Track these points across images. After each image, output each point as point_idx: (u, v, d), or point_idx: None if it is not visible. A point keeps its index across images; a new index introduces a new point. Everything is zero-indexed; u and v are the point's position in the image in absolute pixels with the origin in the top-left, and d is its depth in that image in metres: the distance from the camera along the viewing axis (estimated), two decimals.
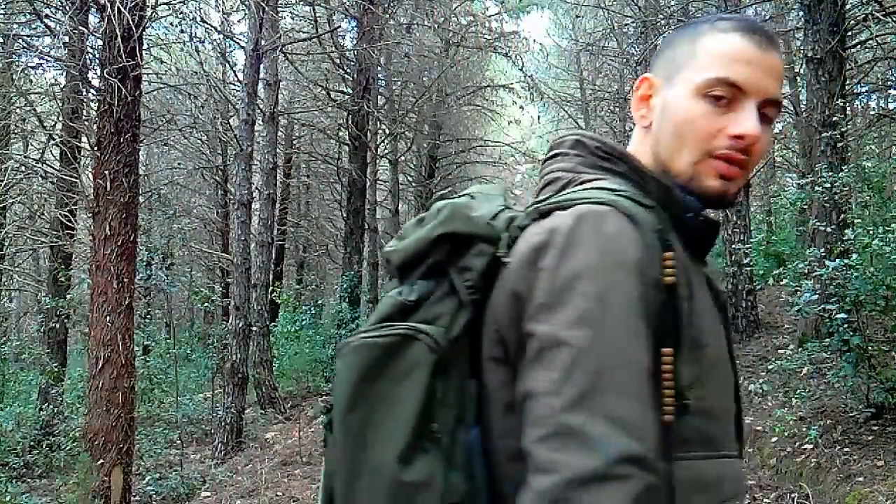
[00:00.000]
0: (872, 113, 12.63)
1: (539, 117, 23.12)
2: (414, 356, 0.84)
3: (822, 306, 4.65)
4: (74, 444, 7.88)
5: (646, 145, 0.98)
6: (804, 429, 4.82)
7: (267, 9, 8.47)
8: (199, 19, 8.08)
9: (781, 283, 5.31)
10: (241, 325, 8.59)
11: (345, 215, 14.27)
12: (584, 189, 0.89)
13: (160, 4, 6.13)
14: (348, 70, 13.21)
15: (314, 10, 11.47)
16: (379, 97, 15.92)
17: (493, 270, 0.86)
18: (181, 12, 7.24)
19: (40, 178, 10.81)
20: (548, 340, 0.79)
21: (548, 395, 0.77)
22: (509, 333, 0.84)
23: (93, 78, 6.33)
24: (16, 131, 11.19)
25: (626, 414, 0.75)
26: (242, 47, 9.37)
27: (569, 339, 0.77)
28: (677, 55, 0.98)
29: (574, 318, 0.78)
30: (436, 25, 14.60)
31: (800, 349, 5.46)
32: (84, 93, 7.35)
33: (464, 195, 0.98)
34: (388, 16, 12.65)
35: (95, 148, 4.95)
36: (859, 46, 8.70)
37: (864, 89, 10.83)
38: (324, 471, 0.95)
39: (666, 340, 0.80)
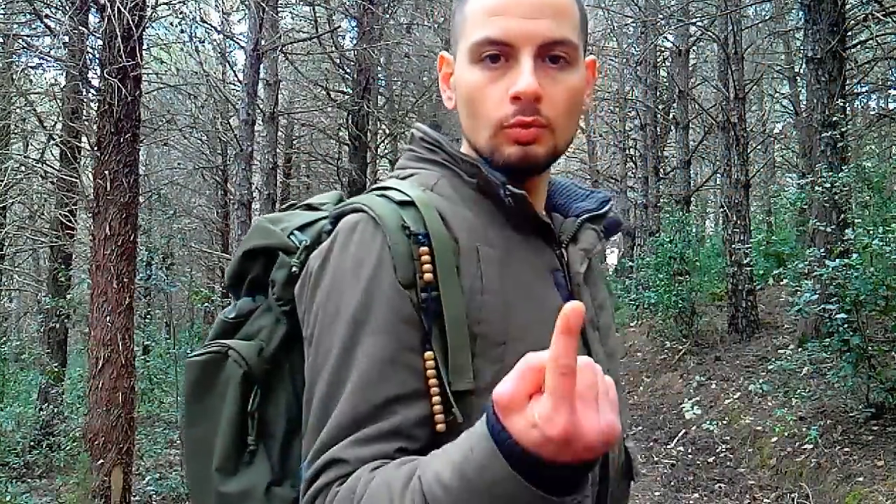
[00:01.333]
0: (872, 113, 12.63)
1: None
2: (227, 373, 0.86)
3: (822, 306, 4.65)
4: (74, 444, 7.88)
5: (463, 127, 0.91)
6: (804, 429, 4.82)
7: (267, 9, 8.46)
8: (199, 19, 8.07)
9: (781, 283, 5.32)
10: None
11: None
12: (368, 191, 0.88)
13: (160, 4, 6.13)
14: (348, 70, 13.20)
15: (314, 10, 11.46)
16: (379, 97, 15.92)
17: (296, 280, 0.86)
18: (181, 12, 7.22)
19: (40, 178, 10.80)
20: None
21: None
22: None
23: (93, 78, 6.33)
24: (16, 131, 11.19)
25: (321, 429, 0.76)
26: (242, 47, 9.37)
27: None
28: (456, 23, 0.91)
29: (308, 339, 0.81)
30: (436, 25, 14.59)
31: (800, 349, 5.46)
32: (84, 93, 7.35)
33: (300, 205, 0.98)
34: (388, 16, 12.64)
35: (95, 148, 4.95)
36: (859, 46, 8.70)
37: (864, 89, 10.83)
38: None
39: (426, 344, 0.76)
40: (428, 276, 0.77)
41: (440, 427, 0.75)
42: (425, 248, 0.78)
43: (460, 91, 0.88)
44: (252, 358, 0.86)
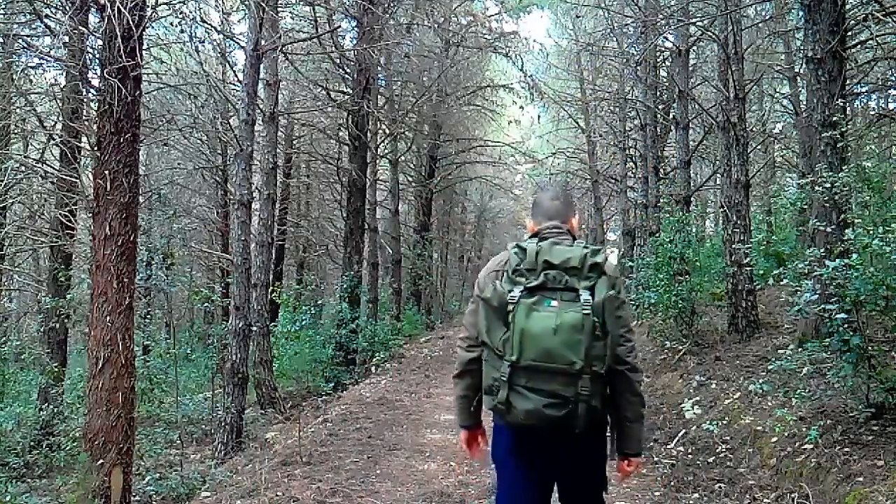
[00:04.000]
0: (872, 113, 12.63)
1: (539, 117, 23.11)
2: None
3: (822, 306, 4.64)
4: (74, 444, 7.88)
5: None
6: (804, 429, 4.82)
7: (267, 9, 8.47)
8: (199, 19, 8.06)
9: (781, 283, 5.30)
10: (241, 325, 8.58)
11: (345, 215, 14.27)
12: (589, 243, 2.36)
13: (160, 4, 6.12)
14: (348, 70, 13.20)
15: (314, 10, 11.46)
16: (379, 97, 15.92)
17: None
18: (181, 12, 7.21)
19: (40, 178, 10.81)
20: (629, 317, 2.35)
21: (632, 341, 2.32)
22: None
23: (93, 78, 6.32)
24: (16, 131, 11.19)
25: None
26: (242, 47, 9.36)
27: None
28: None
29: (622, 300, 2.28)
30: (436, 25, 14.60)
31: (800, 349, 5.46)
32: (84, 93, 7.35)
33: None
34: (388, 16, 12.64)
35: (95, 148, 4.95)
36: (859, 46, 8.70)
37: (864, 89, 10.82)
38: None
39: None
40: None
41: None
42: None
43: None
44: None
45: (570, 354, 2.11)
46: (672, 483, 4.83)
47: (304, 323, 13.46)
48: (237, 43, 10.87)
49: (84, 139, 8.16)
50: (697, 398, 6.91)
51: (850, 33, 7.20)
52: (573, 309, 2.14)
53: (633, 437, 2.39)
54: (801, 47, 7.92)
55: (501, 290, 2.22)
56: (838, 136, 5.89)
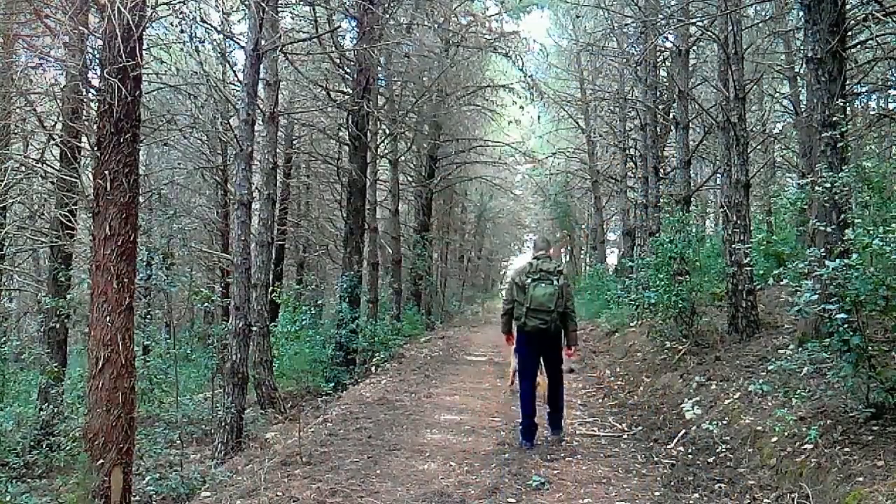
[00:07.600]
0: (872, 113, 12.63)
1: (539, 117, 23.12)
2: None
3: (822, 306, 4.64)
4: (74, 444, 7.88)
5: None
6: (804, 429, 4.82)
7: (267, 9, 8.46)
8: (199, 19, 8.06)
9: (781, 283, 5.30)
10: (241, 325, 8.58)
11: (345, 215, 14.27)
12: (551, 261, 6.07)
13: (160, 4, 6.11)
14: (348, 70, 13.20)
15: (314, 10, 11.46)
16: (379, 97, 15.91)
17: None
18: (181, 12, 7.21)
19: (40, 178, 10.81)
20: (572, 292, 6.22)
21: (573, 301, 6.17)
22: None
23: (93, 78, 6.32)
24: (16, 131, 11.18)
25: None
26: (242, 47, 9.36)
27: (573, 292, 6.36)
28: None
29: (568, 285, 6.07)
30: (436, 25, 14.59)
31: (800, 349, 5.45)
32: (84, 93, 7.35)
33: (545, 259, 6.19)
34: (388, 16, 12.64)
35: (95, 148, 4.95)
36: (859, 46, 8.70)
37: (864, 89, 10.82)
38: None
39: None
40: None
41: None
42: None
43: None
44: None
45: (549, 304, 5.73)
46: (672, 483, 4.83)
47: (304, 323, 13.45)
48: (237, 43, 10.87)
49: (84, 139, 8.17)
50: (697, 398, 6.91)
51: (850, 33, 7.20)
52: (551, 287, 5.75)
53: (572, 338, 5.95)
54: (801, 47, 7.92)
55: (523, 279, 5.83)
56: (838, 136, 5.89)
